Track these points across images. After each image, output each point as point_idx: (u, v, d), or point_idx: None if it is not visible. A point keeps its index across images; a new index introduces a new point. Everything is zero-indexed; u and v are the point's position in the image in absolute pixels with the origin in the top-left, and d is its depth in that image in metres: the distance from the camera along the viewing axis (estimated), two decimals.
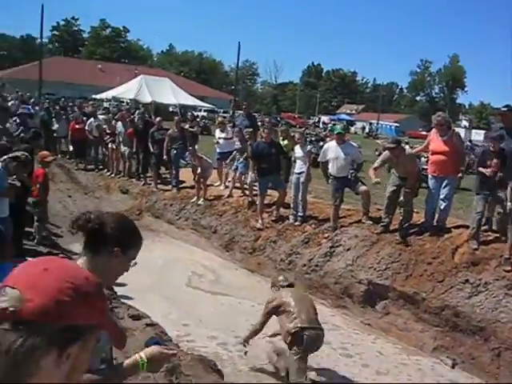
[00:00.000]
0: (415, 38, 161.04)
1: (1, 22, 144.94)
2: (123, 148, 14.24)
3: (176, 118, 14.06)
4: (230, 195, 11.65)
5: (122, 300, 6.16)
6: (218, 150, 12.70)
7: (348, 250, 8.57)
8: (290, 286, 6.04)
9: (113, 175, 14.93)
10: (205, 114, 44.85)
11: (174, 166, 12.86)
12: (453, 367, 6.58)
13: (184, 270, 9.48)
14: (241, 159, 11.53)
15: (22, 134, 11.52)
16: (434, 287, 7.28)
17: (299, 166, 9.88)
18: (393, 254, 8.02)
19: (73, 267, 1.04)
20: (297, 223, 9.79)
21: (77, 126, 16.12)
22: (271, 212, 10.42)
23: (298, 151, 10.02)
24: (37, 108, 20.64)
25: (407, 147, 8.73)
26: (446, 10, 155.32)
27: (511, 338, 6.32)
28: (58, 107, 20.59)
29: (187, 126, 13.61)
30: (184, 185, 12.93)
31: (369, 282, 7.94)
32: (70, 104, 23.32)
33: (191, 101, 40.31)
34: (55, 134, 17.14)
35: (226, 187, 12.19)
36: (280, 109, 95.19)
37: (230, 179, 12.18)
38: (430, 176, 8.46)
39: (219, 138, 12.73)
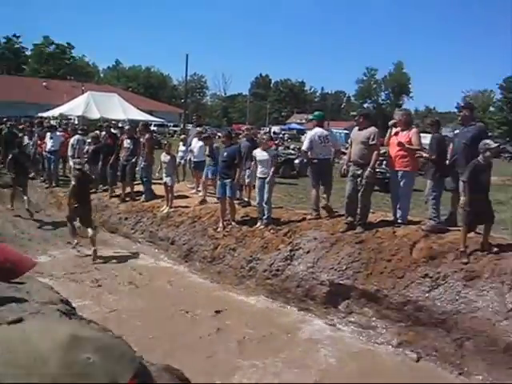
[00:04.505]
0: (360, 46, 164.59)
1: None
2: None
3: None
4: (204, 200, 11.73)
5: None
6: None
7: (308, 252, 8.57)
8: None
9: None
10: (155, 128, 44.43)
11: (146, 180, 12.84)
12: (418, 361, 6.64)
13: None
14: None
15: None
16: (395, 283, 7.35)
17: (263, 170, 9.81)
18: (352, 253, 8.07)
19: None
20: (262, 227, 9.74)
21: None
22: (228, 220, 10.35)
23: (260, 155, 9.85)
24: None
25: None
26: (389, 17, 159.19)
27: (472, 327, 6.44)
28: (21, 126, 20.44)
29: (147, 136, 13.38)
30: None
31: (330, 283, 7.96)
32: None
33: (140, 115, 39.85)
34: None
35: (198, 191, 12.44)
36: (230, 121, 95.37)
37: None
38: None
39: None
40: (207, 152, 11.84)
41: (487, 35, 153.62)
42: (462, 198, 7.16)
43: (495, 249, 7.22)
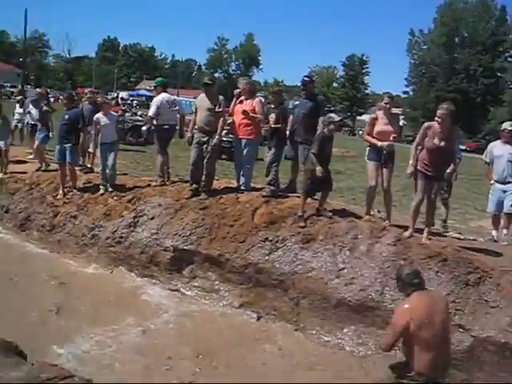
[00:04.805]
0: (211, 15, 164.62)
1: None
2: None
3: None
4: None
5: None
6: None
7: (152, 219, 8.49)
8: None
9: None
10: None
11: None
12: (258, 320, 6.94)
13: None
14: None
15: None
16: (237, 248, 7.56)
17: (107, 135, 9.50)
18: (196, 219, 8.12)
19: None
20: (105, 193, 9.42)
21: None
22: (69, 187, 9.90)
23: (103, 119, 9.54)
24: None
25: None
26: None
27: (307, 286, 6.86)
28: None
29: None
30: None
31: (175, 249, 7.96)
32: None
33: None
34: None
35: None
36: (75, 84, 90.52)
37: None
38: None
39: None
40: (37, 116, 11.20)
41: (333, 15, 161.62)
42: (318, 169, 7.35)
43: (329, 214, 7.73)
